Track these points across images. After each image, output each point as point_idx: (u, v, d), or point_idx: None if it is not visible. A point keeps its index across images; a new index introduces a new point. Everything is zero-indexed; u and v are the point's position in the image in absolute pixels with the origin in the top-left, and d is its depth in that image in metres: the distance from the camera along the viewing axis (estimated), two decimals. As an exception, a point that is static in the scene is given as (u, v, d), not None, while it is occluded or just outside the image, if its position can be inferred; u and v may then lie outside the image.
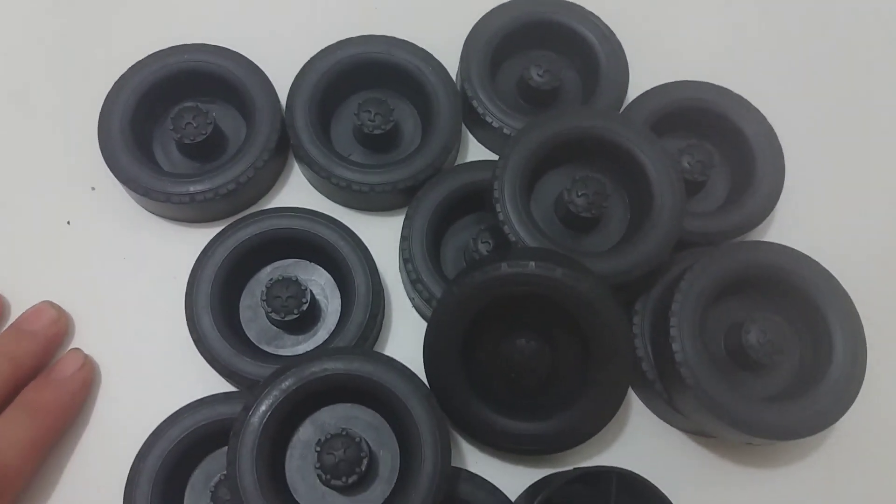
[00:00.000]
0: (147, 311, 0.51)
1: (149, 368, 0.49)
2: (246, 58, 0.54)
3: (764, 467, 0.50)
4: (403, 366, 0.43)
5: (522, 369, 0.45)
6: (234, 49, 0.54)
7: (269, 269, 0.51)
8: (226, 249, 0.48)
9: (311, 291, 0.48)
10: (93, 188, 0.54)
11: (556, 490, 0.41)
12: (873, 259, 0.55)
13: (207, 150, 0.52)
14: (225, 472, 0.43)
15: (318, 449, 0.41)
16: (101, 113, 0.51)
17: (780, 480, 0.49)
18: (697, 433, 0.50)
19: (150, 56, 0.53)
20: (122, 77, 0.52)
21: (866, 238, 0.56)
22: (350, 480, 0.41)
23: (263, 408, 0.41)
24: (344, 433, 0.42)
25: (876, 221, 0.57)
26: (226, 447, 0.41)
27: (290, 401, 0.42)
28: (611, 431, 0.50)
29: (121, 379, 0.49)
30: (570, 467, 0.45)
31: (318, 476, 0.42)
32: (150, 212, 0.53)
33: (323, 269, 0.51)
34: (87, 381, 0.47)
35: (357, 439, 0.42)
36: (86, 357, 0.48)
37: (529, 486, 0.45)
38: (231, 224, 0.49)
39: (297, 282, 0.48)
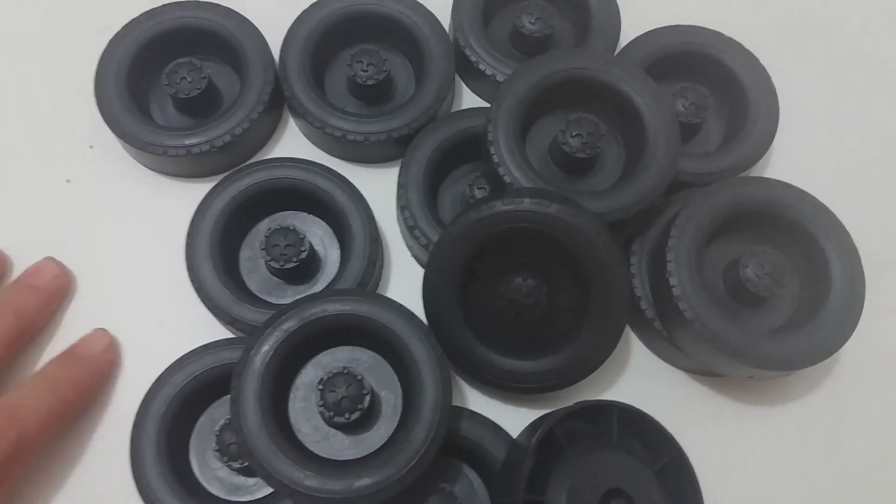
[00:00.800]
0: (148, 264, 0.51)
1: (152, 319, 0.50)
2: (237, 13, 0.54)
3: (765, 404, 0.50)
4: (402, 305, 0.43)
5: (520, 307, 0.45)
6: (225, 5, 0.54)
7: (267, 220, 0.51)
8: (224, 200, 0.48)
9: (309, 241, 0.48)
10: (91, 146, 0.54)
11: (557, 423, 0.41)
12: (866, 193, 0.56)
13: (202, 105, 0.52)
14: (229, 417, 0.43)
15: (321, 387, 0.42)
16: (97, 72, 0.51)
17: (781, 415, 0.50)
18: (698, 372, 0.50)
19: (143, 14, 0.53)
20: (117, 35, 0.52)
21: (859, 172, 0.57)
22: (352, 417, 0.41)
23: (265, 348, 0.41)
24: (345, 371, 0.42)
25: (868, 156, 0.57)
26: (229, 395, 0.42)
27: (291, 341, 0.42)
28: (612, 372, 0.50)
29: (125, 329, 0.49)
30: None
31: (321, 414, 0.42)
32: (148, 167, 0.53)
33: (321, 221, 0.51)
34: (111, 362, 0.48)
35: (358, 377, 0.42)
36: (112, 338, 0.48)
37: (531, 423, 0.45)
38: (227, 175, 0.49)
39: (295, 230, 0.48)
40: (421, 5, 0.54)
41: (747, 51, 0.54)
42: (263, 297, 0.49)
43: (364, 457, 0.42)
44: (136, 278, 0.51)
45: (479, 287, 0.46)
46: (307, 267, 0.49)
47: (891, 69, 0.61)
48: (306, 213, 0.51)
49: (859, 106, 0.59)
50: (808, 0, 0.62)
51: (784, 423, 0.49)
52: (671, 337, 0.47)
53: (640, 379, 0.50)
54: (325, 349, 0.44)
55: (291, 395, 0.43)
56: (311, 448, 0.42)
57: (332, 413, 0.41)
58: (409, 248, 0.52)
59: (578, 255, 0.43)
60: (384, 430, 0.43)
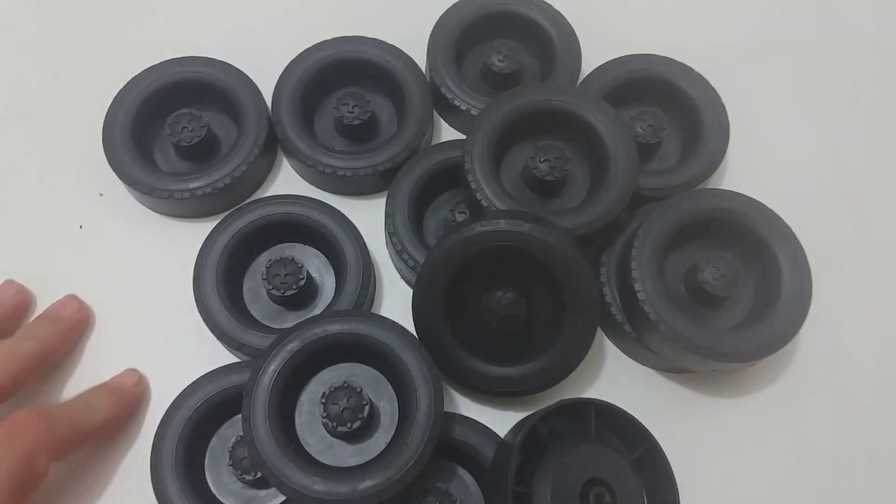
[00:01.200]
0: (159, 299, 0.55)
1: (165, 348, 0.53)
2: (233, 66, 0.58)
3: (730, 395, 0.54)
4: (394, 322, 0.47)
5: (502, 318, 0.49)
6: (221, 59, 0.59)
7: (266, 253, 0.55)
8: (227, 236, 0.52)
9: (307, 269, 0.52)
10: (101, 194, 0.58)
11: (540, 421, 0.45)
12: (809, 198, 0.60)
13: (203, 151, 0.57)
14: (241, 435, 0.47)
15: (324, 401, 0.45)
16: (104, 124, 0.56)
17: (745, 405, 0.54)
18: (666, 369, 0.54)
19: (145, 70, 0.58)
20: (121, 91, 0.57)
21: (803, 180, 0.61)
22: (354, 426, 0.45)
23: (272, 368, 0.45)
24: (346, 385, 0.46)
25: (811, 165, 0.62)
26: (239, 415, 0.46)
27: (295, 361, 0.46)
28: (588, 374, 0.54)
29: (139, 360, 0.53)
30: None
31: (325, 425, 0.45)
32: (155, 211, 0.57)
33: (317, 250, 0.55)
34: (141, 394, 0.52)
35: (358, 389, 0.46)
36: (141, 375, 0.52)
37: (517, 423, 0.49)
38: (229, 214, 0.53)
39: (293, 260, 0.52)
40: (400, 50, 0.59)
41: (698, 74, 0.59)
42: (266, 324, 0.53)
43: (366, 462, 0.46)
44: (149, 312, 0.54)
45: (464, 302, 0.50)
46: (306, 293, 0.53)
47: (836, 86, 0.66)
48: (303, 244, 0.55)
49: (802, 120, 0.64)
50: (753, 24, 0.68)
51: (748, 412, 0.53)
52: (640, 338, 0.51)
53: (615, 378, 0.54)
54: (327, 366, 0.48)
55: (297, 411, 0.47)
56: (318, 457, 0.46)
57: (335, 424, 0.45)
58: (399, 270, 0.56)
59: (552, 268, 0.47)
60: (383, 438, 0.47)
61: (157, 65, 0.58)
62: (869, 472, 0.52)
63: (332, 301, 0.52)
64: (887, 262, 0.59)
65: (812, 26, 0.68)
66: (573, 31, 0.61)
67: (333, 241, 0.53)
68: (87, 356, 0.53)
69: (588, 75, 0.60)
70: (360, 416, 0.45)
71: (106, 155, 0.55)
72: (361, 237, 0.53)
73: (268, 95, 0.58)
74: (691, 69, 0.59)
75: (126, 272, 0.56)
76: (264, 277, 0.51)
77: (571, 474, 0.43)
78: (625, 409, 0.46)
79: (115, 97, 0.57)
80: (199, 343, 0.53)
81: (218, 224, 0.53)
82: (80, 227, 0.57)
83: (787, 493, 0.51)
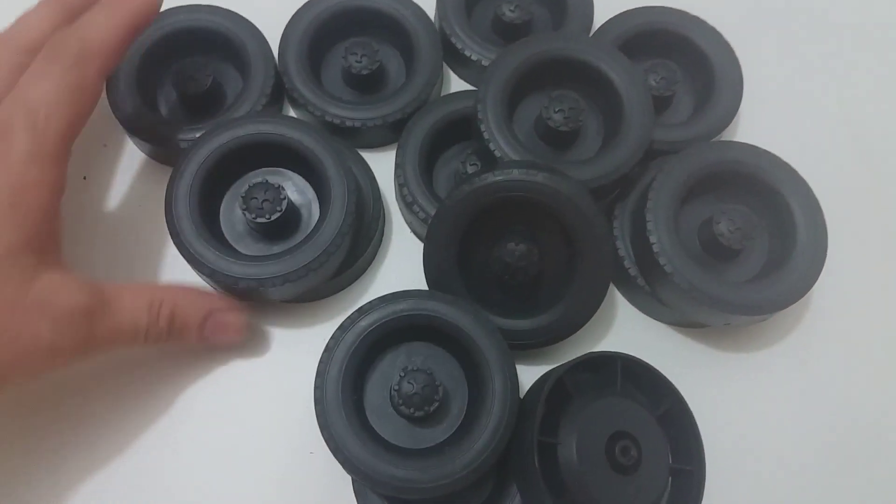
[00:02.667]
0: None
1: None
2: (238, 14, 0.56)
3: (745, 350, 0.53)
4: (470, 303, 0.45)
5: (514, 270, 0.48)
6: (226, 7, 0.56)
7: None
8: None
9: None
10: (105, 145, 0.56)
11: (566, 373, 0.44)
12: (823, 150, 0.59)
13: (208, 101, 0.54)
14: (256, 182, 0.47)
15: (397, 388, 0.43)
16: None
17: (761, 359, 0.52)
18: (679, 323, 0.53)
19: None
20: None
21: (817, 133, 0.60)
22: (423, 412, 0.43)
23: (342, 349, 0.44)
24: (422, 370, 0.43)
25: (824, 118, 0.60)
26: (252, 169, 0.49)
27: (372, 335, 0.44)
28: (600, 328, 0.52)
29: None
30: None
31: (393, 403, 0.44)
32: (157, 160, 0.55)
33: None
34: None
35: (429, 372, 0.43)
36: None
37: (541, 375, 0.47)
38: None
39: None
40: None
41: (711, 27, 0.57)
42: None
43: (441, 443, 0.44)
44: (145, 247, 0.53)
45: (476, 253, 0.48)
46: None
47: (846, 39, 0.64)
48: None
49: (816, 72, 0.62)
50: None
51: (764, 366, 0.52)
52: (654, 292, 0.50)
53: (627, 333, 0.53)
54: (402, 342, 0.46)
55: (368, 384, 0.46)
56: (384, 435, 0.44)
57: (405, 405, 0.43)
58: (409, 224, 0.55)
59: (565, 218, 0.46)
60: (448, 425, 0.45)
61: (162, 12, 0.55)
62: (882, 424, 0.51)
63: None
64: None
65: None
66: (586, -21, 0.58)
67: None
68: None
69: (600, 27, 0.58)
70: (432, 404, 0.43)
71: (110, 104, 0.53)
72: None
73: (274, 46, 0.56)
74: (705, 22, 0.57)
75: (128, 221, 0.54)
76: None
77: (597, 426, 0.42)
78: (644, 363, 0.44)
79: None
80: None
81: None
82: (84, 177, 0.55)
83: (804, 446, 0.50)
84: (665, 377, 0.44)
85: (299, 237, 0.49)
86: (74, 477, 0.47)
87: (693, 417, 0.44)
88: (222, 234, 0.49)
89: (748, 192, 0.51)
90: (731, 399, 0.51)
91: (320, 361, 0.43)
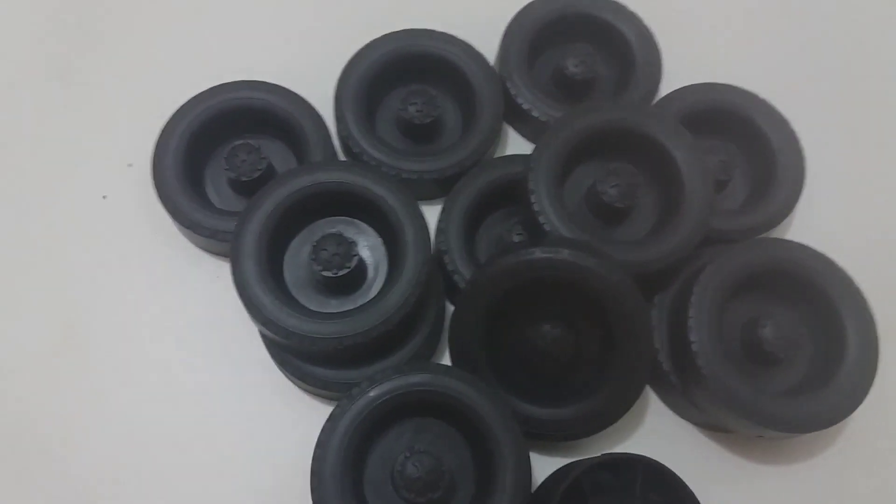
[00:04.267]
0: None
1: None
2: (289, 90, 0.52)
3: (775, 463, 0.49)
4: (497, 391, 0.42)
5: (546, 354, 0.45)
6: (273, 81, 0.52)
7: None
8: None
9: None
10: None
11: (584, 472, 0.41)
12: (886, 259, 0.55)
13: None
14: (330, 232, 0.45)
15: (401, 467, 0.40)
16: (153, 160, 0.50)
17: (791, 476, 0.48)
18: (710, 427, 0.49)
19: (194, 97, 0.51)
20: (170, 121, 0.51)
21: (880, 240, 0.56)
22: (426, 500, 0.40)
23: (344, 424, 0.41)
24: (429, 452, 0.40)
25: (890, 223, 0.56)
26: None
27: (366, 423, 0.41)
28: (627, 424, 0.48)
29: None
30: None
31: (395, 485, 0.40)
32: (209, 251, 0.52)
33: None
34: None
35: (436, 455, 0.40)
36: None
37: (554, 472, 0.44)
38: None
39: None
40: (471, 47, 0.54)
41: (779, 113, 0.53)
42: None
43: None
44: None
45: (506, 331, 0.45)
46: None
47: None
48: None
49: (882, 173, 0.58)
50: (843, 67, 0.61)
51: (793, 484, 0.48)
52: (686, 391, 0.47)
53: (653, 430, 0.49)
54: (403, 419, 0.43)
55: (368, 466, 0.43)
56: None
57: (409, 492, 0.40)
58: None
59: (609, 309, 0.43)
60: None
61: (205, 91, 0.52)
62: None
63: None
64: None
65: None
66: (657, 46, 0.55)
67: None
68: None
69: (664, 97, 0.55)
70: (441, 484, 0.40)
71: (157, 192, 0.49)
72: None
73: (328, 89, 0.53)
74: (773, 107, 0.54)
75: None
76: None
77: None
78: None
79: (162, 131, 0.50)
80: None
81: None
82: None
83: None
84: (688, 488, 0.41)
85: (359, 294, 0.47)
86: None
87: None
88: (284, 282, 0.46)
89: (797, 296, 0.48)
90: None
91: (322, 430, 0.41)
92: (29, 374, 0.48)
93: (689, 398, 0.47)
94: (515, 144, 0.56)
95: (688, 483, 0.41)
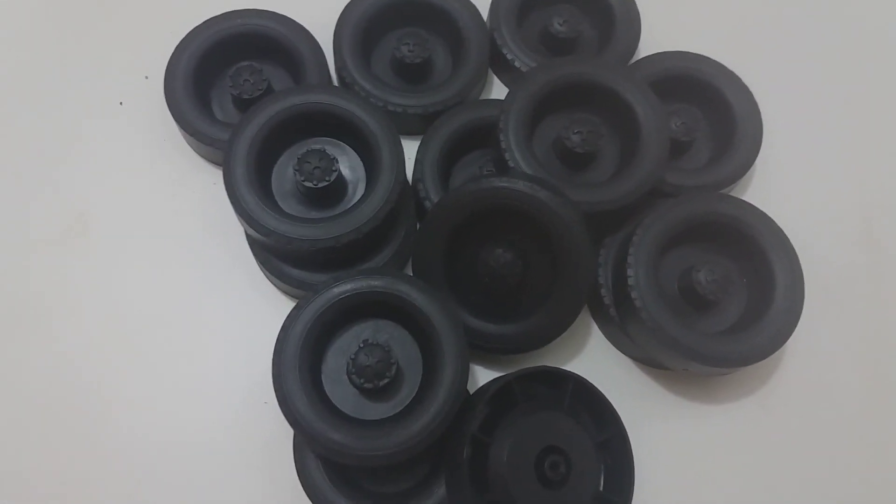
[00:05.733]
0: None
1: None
2: (292, 19, 0.56)
3: (702, 400, 0.52)
4: (448, 300, 0.46)
5: (496, 276, 0.48)
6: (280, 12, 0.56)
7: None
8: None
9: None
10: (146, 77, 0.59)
11: (517, 379, 0.44)
12: (825, 219, 0.58)
13: None
14: (314, 148, 0.48)
15: (354, 356, 0.44)
16: (165, 74, 0.54)
17: (717, 412, 0.51)
18: (643, 361, 0.53)
19: (206, 21, 0.56)
20: (182, 42, 0.55)
21: (824, 200, 0.59)
22: (373, 385, 0.43)
23: (299, 326, 0.44)
24: (381, 345, 0.44)
25: (835, 190, 0.59)
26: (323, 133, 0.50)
27: (327, 314, 0.44)
28: (567, 350, 0.52)
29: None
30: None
31: (347, 371, 0.44)
32: (209, 160, 0.57)
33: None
34: None
35: (387, 348, 0.44)
36: None
37: (496, 377, 0.47)
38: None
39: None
40: (467, -1, 0.57)
41: (744, 84, 0.56)
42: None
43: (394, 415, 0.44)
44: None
45: (464, 251, 0.49)
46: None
47: (874, 99, 0.63)
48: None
49: (836, 142, 0.61)
50: (811, 43, 0.64)
51: (719, 419, 0.51)
52: (622, 324, 0.50)
53: (592, 360, 0.52)
54: (355, 322, 0.47)
55: (324, 366, 0.46)
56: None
57: (361, 379, 0.43)
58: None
59: (555, 238, 0.46)
60: (405, 395, 0.46)
61: (216, 17, 0.56)
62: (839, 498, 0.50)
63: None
64: (887, 299, 0.56)
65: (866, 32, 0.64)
66: (637, 12, 0.58)
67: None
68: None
69: (636, 61, 0.58)
70: (388, 374, 0.44)
71: (168, 103, 0.54)
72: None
73: (325, 48, 0.56)
74: (739, 78, 0.57)
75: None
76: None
77: (534, 436, 0.42)
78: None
79: (175, 49, 0.55)
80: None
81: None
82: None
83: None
84: (613, 407, 0.45)
85: (338, 209, 0.49)
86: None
87: (631, 452, 0.44)
88: (271, 189, 0.50)
89: (734, 246, 0.51)
90: (675, 444, 0.50)
91: (287, 317, 0.44)
92: (42, 253, 0.54)
93: (624, 331, 0.50)
94: (499, 93, 0.60)
95: (618, 409, 0.45)
